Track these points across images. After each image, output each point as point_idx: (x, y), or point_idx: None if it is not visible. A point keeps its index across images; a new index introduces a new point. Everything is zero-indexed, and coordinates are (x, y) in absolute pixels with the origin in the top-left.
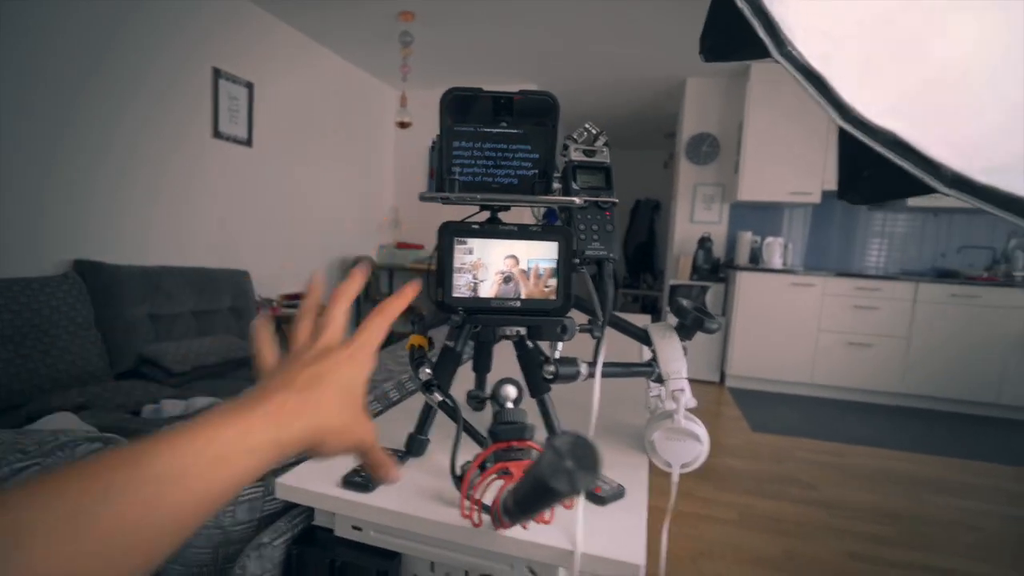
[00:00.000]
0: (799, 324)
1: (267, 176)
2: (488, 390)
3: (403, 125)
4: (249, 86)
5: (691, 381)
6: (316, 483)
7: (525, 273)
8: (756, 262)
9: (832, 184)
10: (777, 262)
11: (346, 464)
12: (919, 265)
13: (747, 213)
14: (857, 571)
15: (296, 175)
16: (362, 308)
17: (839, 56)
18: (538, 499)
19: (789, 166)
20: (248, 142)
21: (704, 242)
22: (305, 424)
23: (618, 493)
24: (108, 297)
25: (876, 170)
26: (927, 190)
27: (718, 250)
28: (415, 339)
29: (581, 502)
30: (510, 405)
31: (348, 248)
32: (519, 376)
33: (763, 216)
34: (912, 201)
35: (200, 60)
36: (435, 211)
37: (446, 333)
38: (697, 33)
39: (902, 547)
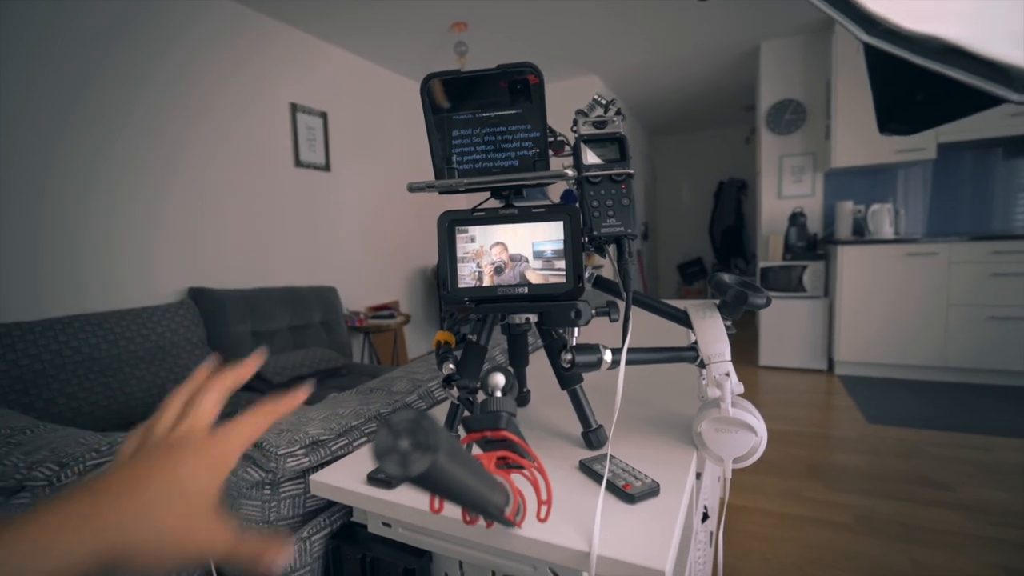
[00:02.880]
0: (922, 300)
1: (345, 197)
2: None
3: None
4: (323, 115)
5: (794, 371)
6: (346, 480)
7: (518, 257)
8: (861, 234)
9: (952, 134)
10: (887, 231)
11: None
12: None
13: (845, 181)
14: None
15: (371, 193)
16: (442, 312)
17: None
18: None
19: None
20: (326, 167)
21: (796, 218)
22: (103, 535)
23: (650, 490)
24: (216, 318)
25: (926, 90)
26: (994, 102)
27: (813, 225)
28: (441, 335)
29: (601, 498)
30: (498, 394)
31: (427, 258)
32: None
33: (865, 182)
34: None
35: (279, 97)
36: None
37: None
38: None
39: None
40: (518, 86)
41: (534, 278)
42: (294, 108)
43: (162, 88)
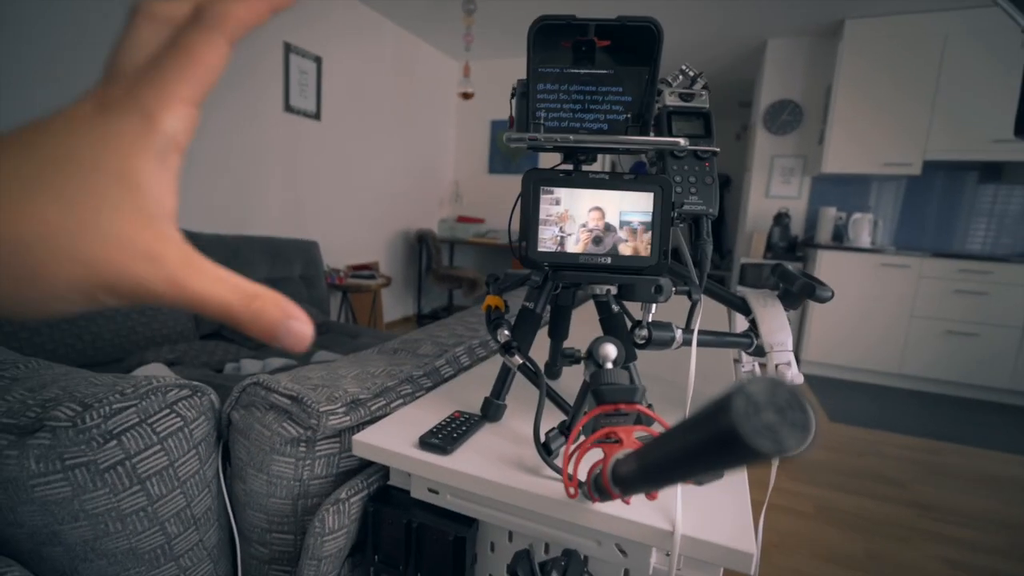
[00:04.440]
0: (889, 309)
1: (335, 149)
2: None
3: (466, 96)
4: (318, 60)
5: (763, 366)
6: (393, 442)
7: (612, 227)
8: (840, 240)
9: (937, 153)
10: (865, 240)
11: (422, 425)
12: None
13: (831, 187)
14: None
15: (361, 148)
16: (423, 281)
17: None
18: (701, 464)
19: (884, 135)
20: (317, 116)
21: (781, 218)
22: None
23: (716, 473)
24: None
25: None
26: None
27: (796, 227)
28: (491, 300)
29: None
30: (610, 366)
31: (410, 220)
32: None
33: (849, 190)
34: None
35: (272, 34)
36: (497, 185)
37: (523, 296)
38: None
39: (1007, 558)
40: (629, 42)
41: (623, 249)
42: (288, 48)
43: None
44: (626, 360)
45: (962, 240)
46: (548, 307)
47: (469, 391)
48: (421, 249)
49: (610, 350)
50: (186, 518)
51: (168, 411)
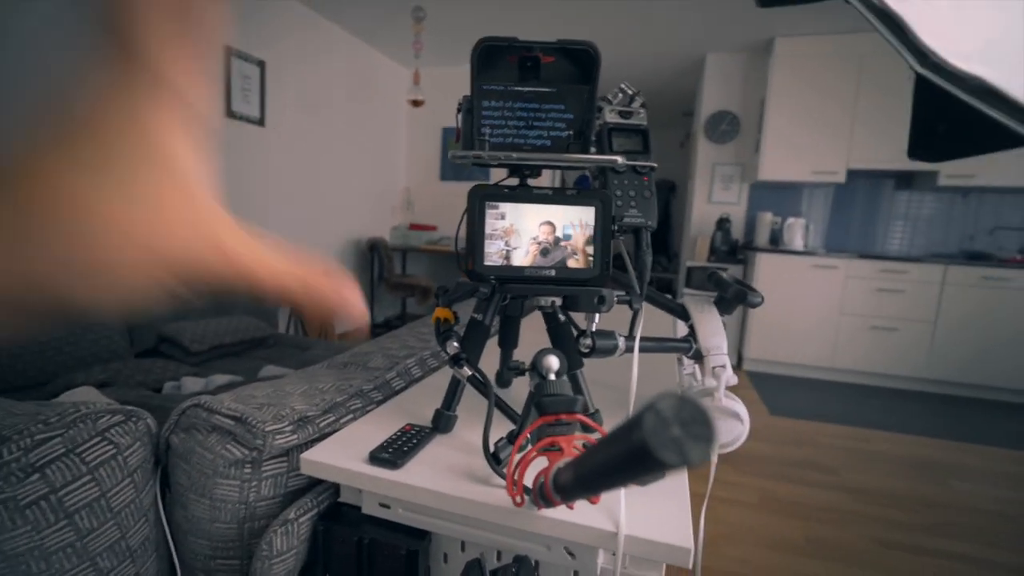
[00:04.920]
0: (820, 307)
1: (280, 156)
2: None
3: (416, 103)
4: (261, 64)
5: None
6: (342, 459)
7: (559, 240)
8: (776, 243)
9: (859, 162)
10: (798, 243)
11: (372, 440)
12: (945, 248)
13: (767, 193)
14: (883, 556)
15: (309, 155)
16: (375, 289)
17: None
18: (621, 474)
19: (813, 145)
20: (261, 121)
21: (723, 223)
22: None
23: (658, 474)
24: None
25: (954, 125)
26: (1017, 142)
27: (737, 231)
28: (440, 312)
29: None
30: (553, 377)
31: (362, 229)
32: None
33: (783, 196)
34: (943, 180)
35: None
36: (448, 192)
37: (472, 307)
38: (719, 5)
39: (931, 534)
40: (568, 63)
41: (570, 262)
42: (228, 52)
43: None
44: (573, 368)
45: (883, 242)
46: (497, 318)
47: (420, 403)
48: (373, 258)
49: (552, 362)
50: (120, 550)
51: (99, 439)
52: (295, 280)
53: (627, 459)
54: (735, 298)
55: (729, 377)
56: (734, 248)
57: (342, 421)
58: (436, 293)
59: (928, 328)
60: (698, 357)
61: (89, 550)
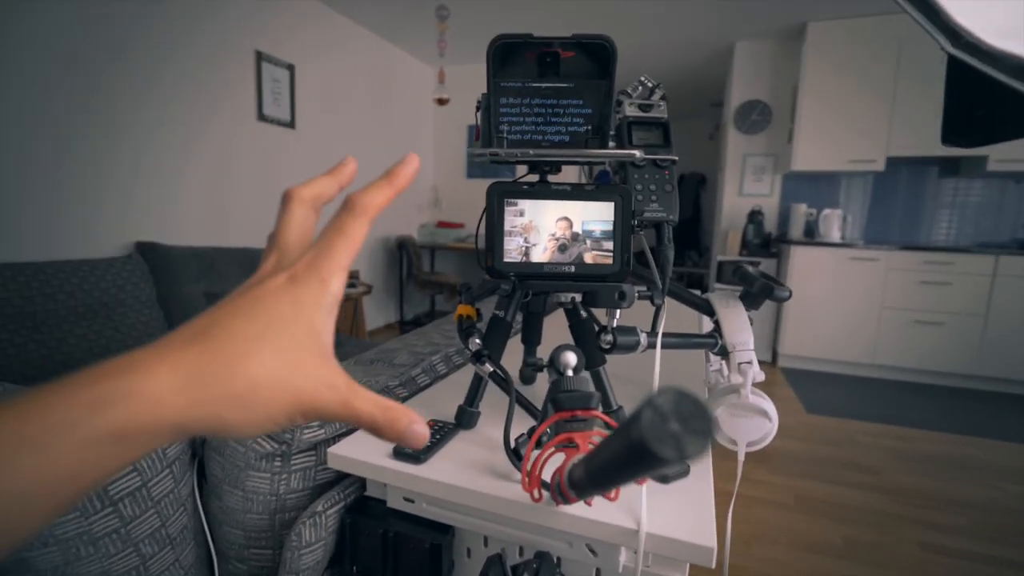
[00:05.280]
0: (859, 301)
1: (311, 158)
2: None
3: (441, 102)
4: (290, 68)
5: None
6: (368, 453)
7: (579, 236)
8: (811, 236)
9: (899, 150)
10: (835, 235)
11: None
12: (996, 237)
13: (801, 184)
14: (926, 561)
15: (338, 155)
16: (404, 288)
17: None
18: (625, 469)
19: (849, 133)
20: (291, 124)
21: (754, 216)
22: (195, 384)
23: (682, 471)
24: (167, 276)
25: (992, 108)
26: None
27: (769, 224)
28: (463, 309)
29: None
30: (570, 373)
31: (390, 228)
32: None
33: (819, 187)
34: (992, 165)
35: (243, 43)
36: (475, 189)
37: (495, 303)
38: None
39: (977, 538)
40: (586, 57)
41: (588, 258)
42: (259, 57)
43: (124, 27)
44: (594, 365)
45: (926, 233)
46: (520, 314)
47: (445, 399)
48: (401, 256)
49: (570, 358)
50: (161, 538)
51: None
52: (379, 411)
53: (628, 455)
54: (761, 292)
55: (756, 373)
56: (767, 241)
57: None
58: (459, 290)
59: (978, 322)
60: (724, 353)
61: (132, 536)
